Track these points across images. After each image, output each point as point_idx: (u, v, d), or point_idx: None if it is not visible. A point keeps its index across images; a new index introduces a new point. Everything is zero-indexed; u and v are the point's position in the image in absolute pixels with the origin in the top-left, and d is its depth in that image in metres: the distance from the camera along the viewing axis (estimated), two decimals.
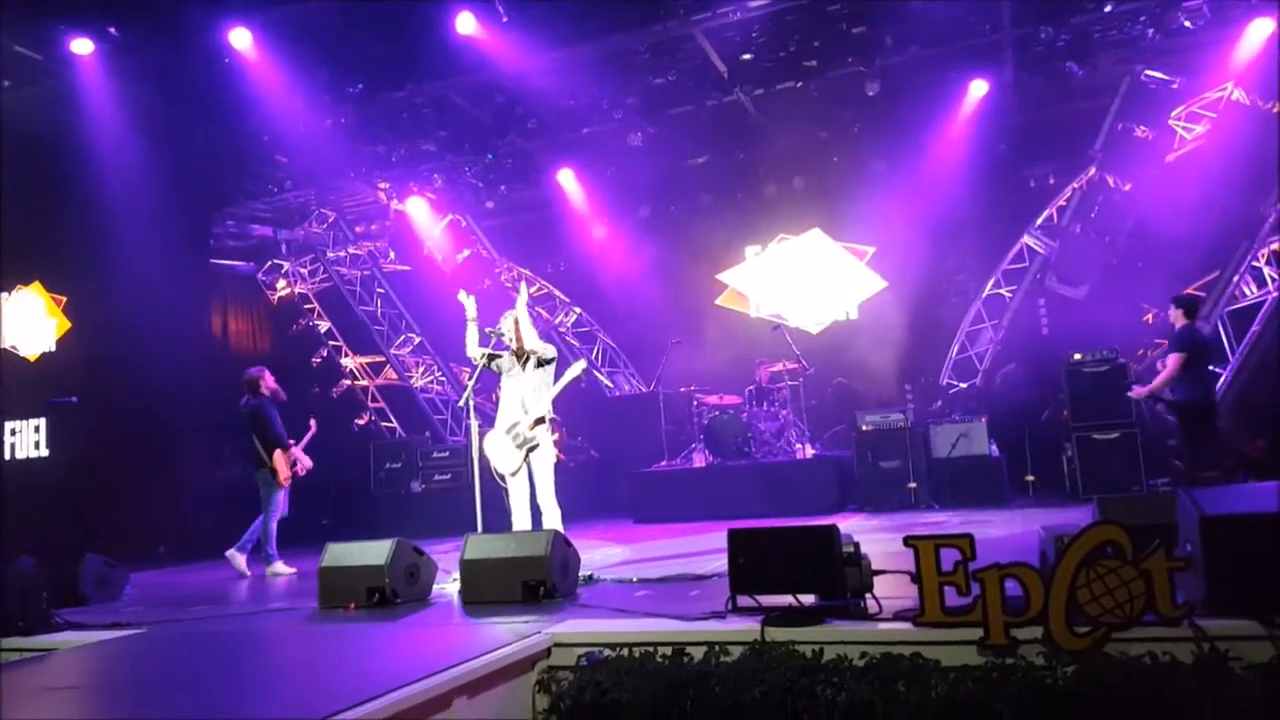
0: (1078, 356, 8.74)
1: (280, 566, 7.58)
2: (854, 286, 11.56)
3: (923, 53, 9.48)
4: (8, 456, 10.08)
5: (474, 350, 6.21)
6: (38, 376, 10.22)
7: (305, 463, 7.87)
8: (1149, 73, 9.88)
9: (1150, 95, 9.98)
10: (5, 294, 10.64)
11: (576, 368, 6.25)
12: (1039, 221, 10.74)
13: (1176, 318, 7.17)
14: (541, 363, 6.08)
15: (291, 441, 7.80)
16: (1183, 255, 9.79)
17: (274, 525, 7.66)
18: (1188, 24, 8.99)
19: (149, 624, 5.16)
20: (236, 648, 4.44)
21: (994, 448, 9.00)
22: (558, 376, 6.20)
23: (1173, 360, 6.93)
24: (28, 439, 10.22)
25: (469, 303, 6.41)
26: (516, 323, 6.11)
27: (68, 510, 9.20)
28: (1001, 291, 10.88)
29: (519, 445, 5.96)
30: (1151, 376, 7.55)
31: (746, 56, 9.85)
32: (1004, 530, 6.73)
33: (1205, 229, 9.59)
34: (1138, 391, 7.48)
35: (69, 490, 9.49)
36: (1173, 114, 9.92)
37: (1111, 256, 10.25)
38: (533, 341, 6.14)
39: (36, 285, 10.55)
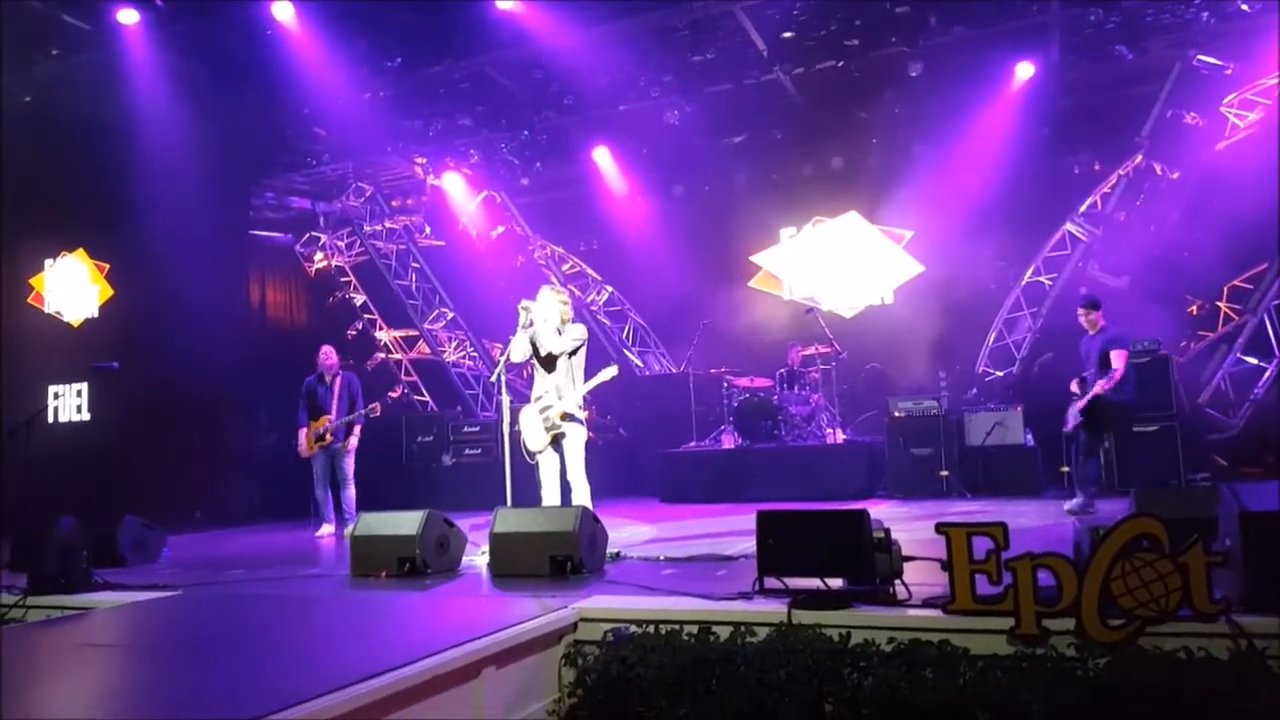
0: None
1: (322, 529, 8.08)
2: (890, 271, 11.42)
3: (967, 33, 9.28)
4: (51, 420, 10.33)
5: (518, 356, 6.10)
6: (80, 342, 10.42)
7: (303, 444, 8.15)
8: (1201, 58, 9.59)
9: (1202, 81, 9.69)
10: (50, 260, 10.86)
11: (608, 372, 6.17)
12: (1082, 208, 10.51)
13: (1096, 319, 6.99)
14: (570, 355, 6.04)
15: (328, 418, 8.09)
16: (1230, 246, 9.53)
17: (317, 492, 8.16)
18: (1245, 7, 8.70)
19: (186, 586, 5.30)
20: (272, 610, 4.53)
21: (1029, 437, 8.87)
22: (589, 374, 6.15)
23: (1122, 356, 6.80)
24: (70, 403, 10.45)
25: (525, 313, 6.04)
26: (561, 320, 6.02)
27: (108, 473, 9.43)
28: (1041, 279, 10.69)
29: (547, 429, 5.97)
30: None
31: (787, 35, 9.70)
32: (1037, 521, 6.64)
33: (1254, 219, 9.31)
34: (1103, 387, 7.35)
35: (109, 453, 9.72)
36: (1225, 101, 9.62)
37: (1156, 246, 10.01)
38: (560, 345, 6.00)
39: (80, 252, 10.74)
